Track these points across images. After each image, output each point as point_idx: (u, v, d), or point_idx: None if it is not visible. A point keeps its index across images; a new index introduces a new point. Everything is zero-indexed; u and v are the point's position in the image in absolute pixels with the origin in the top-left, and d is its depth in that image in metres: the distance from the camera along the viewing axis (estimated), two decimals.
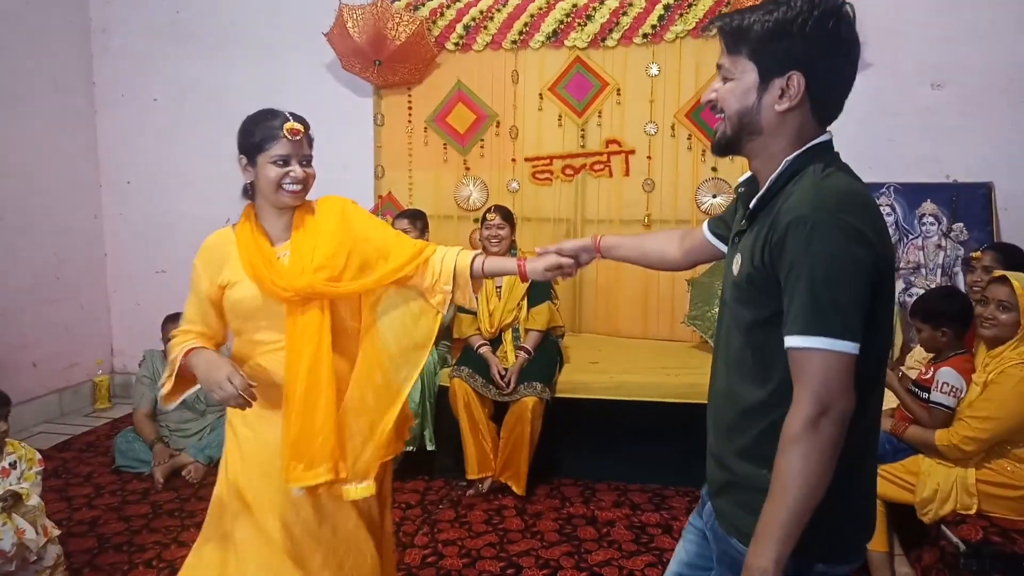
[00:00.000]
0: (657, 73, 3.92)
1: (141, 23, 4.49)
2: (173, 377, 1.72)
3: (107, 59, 4.56)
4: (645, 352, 3.79)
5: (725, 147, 1.26)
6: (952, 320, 2.45)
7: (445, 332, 3.60)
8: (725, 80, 1.22)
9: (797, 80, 1.15)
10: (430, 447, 3.36)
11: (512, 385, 3.21)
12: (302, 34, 4.20)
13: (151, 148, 4.58)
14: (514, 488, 3.21)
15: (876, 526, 1.30)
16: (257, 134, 1.73)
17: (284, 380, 1.71)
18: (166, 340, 3.62)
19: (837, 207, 1.10)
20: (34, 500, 2.17)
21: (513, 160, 4.12)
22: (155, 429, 3.56)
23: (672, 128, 3.94)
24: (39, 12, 4.19)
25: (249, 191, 1.82)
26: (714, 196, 3.93)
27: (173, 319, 3.63)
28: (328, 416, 1.70)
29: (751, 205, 1.23)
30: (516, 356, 3.32)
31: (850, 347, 1.09)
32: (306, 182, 1.76)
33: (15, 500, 2.10)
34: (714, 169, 3.90)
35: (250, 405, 1.62)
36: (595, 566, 2.67)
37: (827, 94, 1.18)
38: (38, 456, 2.27)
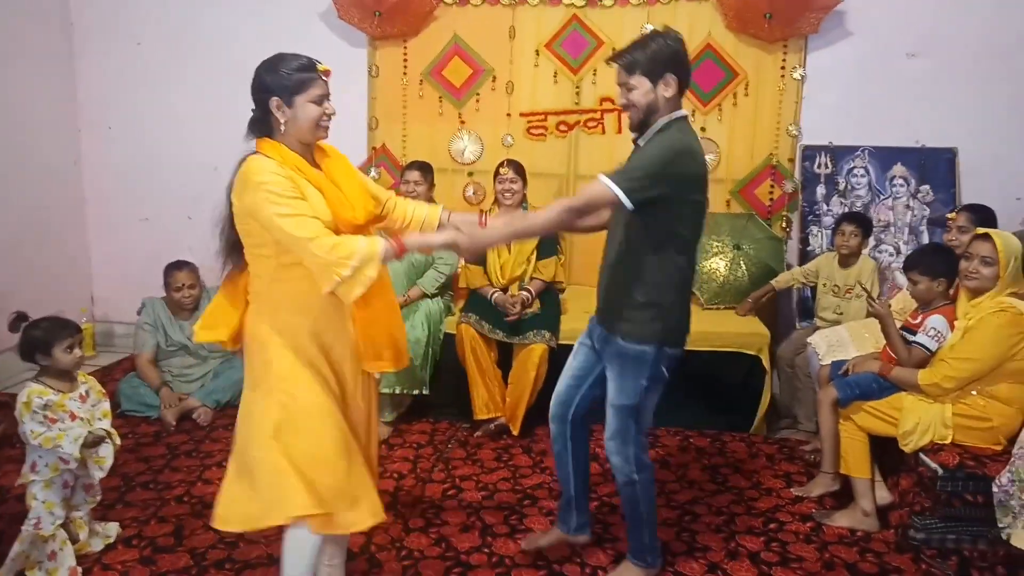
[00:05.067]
0: None
1: None
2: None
3: None
4: None
5: (639, 126, 2.14)
6: (947, 273, 2.70)
7: (449, 283, 3.72)
8: (630, 90, 2.09)
9: (673, 78, 2.07)
10: (426, 392, 3.50)
11: (519, 309, 3.39)
12: None
13: (134, 93, 4.48)
14: (512, 429, 3.39)
15: None
16: (294, 76, 1.81)
17: None
18: (171, 288, 3.62)
19: (675, 142, 2.07)
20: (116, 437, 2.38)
21: (508, 115, 4.20)
22: (159, 374, 3.59)
23: None
24: None
25: (260, 128, 1.86)
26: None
27: (176, 267, 3.63)
28: None
29: (637, 144, 2.19)
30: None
31: (616, 191, 1.97)
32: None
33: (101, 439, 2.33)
34: (703, 129, 4.08)
35: None
36: (603, 496, 2.88)
37: (682, 83, 2.10)
38: (100, 387, 2.39)
